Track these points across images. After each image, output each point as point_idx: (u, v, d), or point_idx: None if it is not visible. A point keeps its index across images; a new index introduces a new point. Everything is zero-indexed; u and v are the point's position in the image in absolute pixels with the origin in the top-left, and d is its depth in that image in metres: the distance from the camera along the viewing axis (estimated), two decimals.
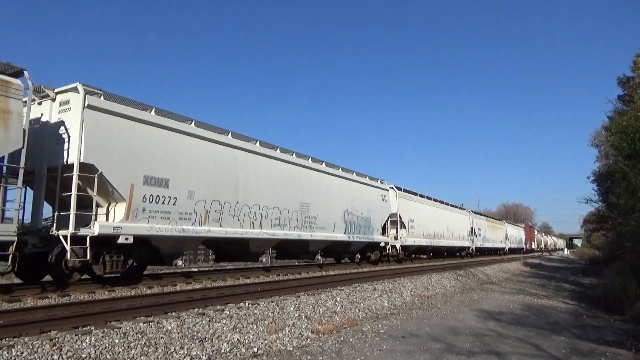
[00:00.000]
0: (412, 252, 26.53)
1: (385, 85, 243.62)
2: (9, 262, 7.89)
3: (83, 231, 8.84)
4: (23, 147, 8.25)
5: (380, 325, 8.07)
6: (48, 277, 9.98)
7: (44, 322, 5.78)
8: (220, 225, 11.88)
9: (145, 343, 5.39)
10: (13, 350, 4.60)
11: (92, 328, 5.66)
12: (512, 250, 51.23)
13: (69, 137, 8.99)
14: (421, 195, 27.38)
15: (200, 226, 11.29)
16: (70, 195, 8.70)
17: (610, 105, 24.23)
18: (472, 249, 35.46)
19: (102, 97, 9.38)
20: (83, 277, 9.91)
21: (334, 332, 7.39)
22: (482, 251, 39.73)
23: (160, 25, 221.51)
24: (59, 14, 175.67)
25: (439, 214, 29.17)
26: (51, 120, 9.38)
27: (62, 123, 9.15)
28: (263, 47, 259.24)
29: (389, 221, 22.18)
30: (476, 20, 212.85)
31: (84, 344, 5.02)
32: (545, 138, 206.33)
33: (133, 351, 5.17)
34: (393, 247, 22.21)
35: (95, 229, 8.97)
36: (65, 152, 8.98)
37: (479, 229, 38.07)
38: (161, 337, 5.65)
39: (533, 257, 49.51)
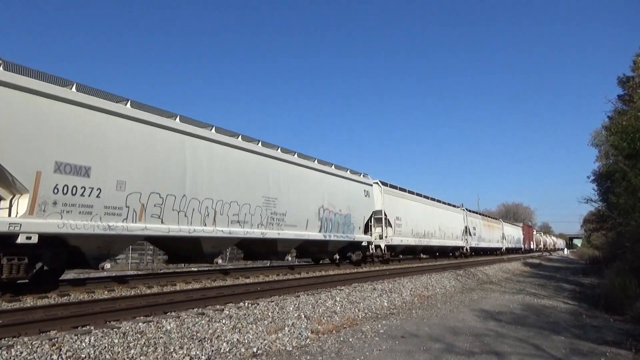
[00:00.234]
0: (400, 252, 25.11)
1: (385, 86, 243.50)
2: None
3: None
4: None
5: (379, 325, 8.06)
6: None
7: (44, 321, 5.77)
8: (162, 222, 10.27)
9: (144, 343, 5.39)
10: (12, 350, 4.59)
11: (92, 328, 5.65)
12: (510, 250, 49.80)
13: None
14: (410, 192, 25.69)
15: (135, 223, 9.65)
16: None
17: (610, 105, 24.27)
18: (467, 249, 34.00)
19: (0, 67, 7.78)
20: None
21: (334, 332, 7.39)
22: (478, 251, 38.30)
23: (164, 28, 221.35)
24: (64, 16, 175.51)
25: (429, 211, 27.61)
26: None
27: None
28: (264, 49, 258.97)
29: (373, 219, 20.55)
30: (476, 20, 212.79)
31: (83, 344, 5.02)
32: (545, 138, 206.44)
33: (132, 351, 5.16)
34: (377, 246, 20.67)
35: None
36: None
37: (474, 228, 36.58)
38: (161, 337, 5.64)
39: (533, 257, 49.32)
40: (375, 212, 20.69)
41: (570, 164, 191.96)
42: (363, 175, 20.40)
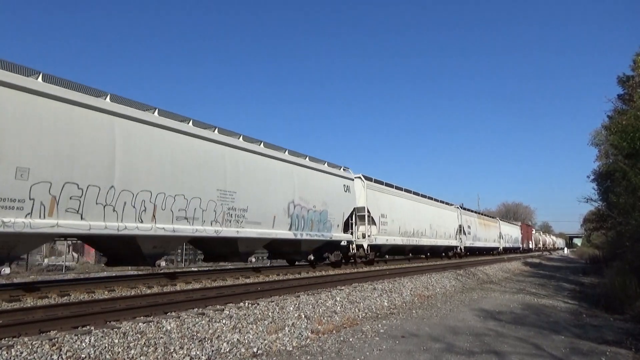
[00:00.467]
0: (386, 253, 23.40)
1: (385, 87, 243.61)
2: None
3: None
4: None
5: (380, 325, 8.06)
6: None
7: (44, 322, 5.77)
8: (82, 218, 8.76)
9: (144, 343, 5.39)
10: (12, 350, 4.59)
11: (92, 328, 5.65)
12: (507, 250, 48.37)
13: None
14: (398, 188, 23.91)
15: (42, 219, 8.13)
16: None
17: (610, 105, 24.29)
18: (461, 249, 32.42)
19: None
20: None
21: (334, 331, 7.39)
22: (473, 251, 36.63)
23: (168, 32, 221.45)
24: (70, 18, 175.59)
25: (419, 209, 25.88)
26: None
27: None
28: (264, 51, 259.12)
29: (355, 216, 18.87)
30: (476, 20, 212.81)
31: (83, 344, 5.02)
32: (545, 137, 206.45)
33: (133, 351, 5.16)
34: (360, 246, 18.92)
35: None
36: None
37: (469, 227, 34.87)
38: (161, 337, 5.64)
39: (533, 257, 49.22)
40: (357, 209, 19.05)
41: (570, 163, 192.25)
42: (343, 169, 18.77)
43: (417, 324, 8.45)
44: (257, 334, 6.56)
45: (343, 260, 18.70)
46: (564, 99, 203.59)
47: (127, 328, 5.69)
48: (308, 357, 5.87)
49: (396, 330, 7.71)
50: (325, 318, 8.13)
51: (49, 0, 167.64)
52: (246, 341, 6.21)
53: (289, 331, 6.93)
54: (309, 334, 7.07)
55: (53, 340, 4.96)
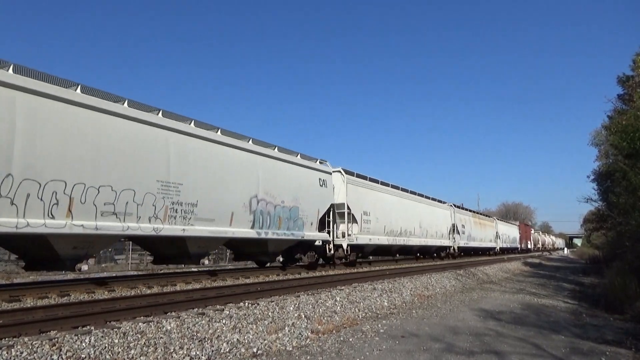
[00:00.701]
0: (370, 253, 21.95)
1: (385, 87, 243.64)
2: None
3: None
4: None
5: (380, 325, 8.06)
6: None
7: (44, 322, 5.77)
8: None
9: (144, 343, 5.39)
10: (13, 350, 4.59)
11: (92, 328, 5.65)
12: (505, 251, 46.83)
13: None
14: (384, 183, 22.18)
15: None
16: None
17: (610, 105, 24.33)
18: (454, 249, 30.94)
19: None
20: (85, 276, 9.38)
21: (334, 331, 7.39)
22: (467, 251, 35.11)
23: (171, 34, 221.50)
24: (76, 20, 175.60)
25: (408, 206, 24.18)
26: None
27: None
28: (265, 53, 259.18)
29: (334, 214, 17.44)
30: (476, 20, 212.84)
31: (83, 344, 5.02)
32: (545, 137, 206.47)
33: (133, 351, 5.16)
34: (339, 246, 17.31)
35: None
36: None
37: (463, 226, 33.35)
38: (161, 337, 5.64)
39: (533, 257, 49.13)
40: (336, 206, 17.58)
41: (570, 163, 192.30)
42: (320, 162, 17.14)
43: (417, 323, 8.45)
44: (257, 334, 6.56)
45: (321, 262, 17.56)
46: (564, 99, 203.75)
47: (127, 328, 5.69)
48: (308, 357, 5.87)
49: (396, 330, 7.71)
50: (325, 318, 8.13)
51: (47, 0, 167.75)
52: (246, 341, 6.21)
53: (289, 331, 6.93)
54: (309, 334, 7.07)
55: (53, 340, 4.96)
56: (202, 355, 5.50)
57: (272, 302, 8.26)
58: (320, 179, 16.64)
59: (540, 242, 79.12)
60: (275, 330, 6.79)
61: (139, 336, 5.53)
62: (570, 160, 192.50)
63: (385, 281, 12.82)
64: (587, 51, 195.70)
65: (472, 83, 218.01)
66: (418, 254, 27.78)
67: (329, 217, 17.03)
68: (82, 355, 4.81)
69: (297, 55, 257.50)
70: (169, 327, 5.98)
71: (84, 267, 9.92)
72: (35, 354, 4.59)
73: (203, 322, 6.43)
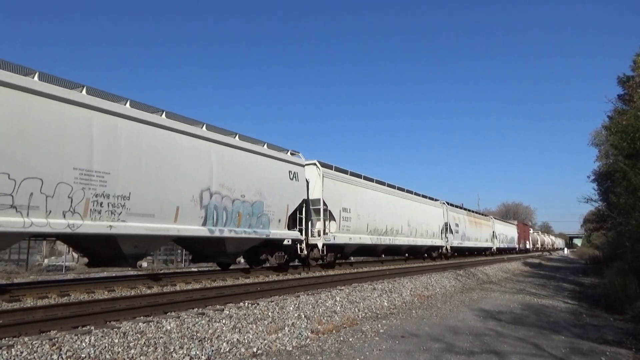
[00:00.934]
0: (352, 254, 20.47)
1: (385, 88, 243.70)
2: None
3: None
4: None
5: (379, 325, 8.06)
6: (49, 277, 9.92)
7: (44, 321, 5.78)
8: None
9: (144, 343, 5.39)
10: (13, 350, 4.59)
11: (92, 328, 5.65)
12: (502, 251, 45.38)
13: None
14: (367, 178, 20.61)
15: None
16: None
17: (610, 105, 24.30)
18: (447, 249, 29.43)
19: None
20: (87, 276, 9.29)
21: (334, 331, 7.38)
22: (462, 251, 33.46)
23: (172, 34, 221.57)
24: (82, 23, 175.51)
25: (394, 203, 22.58)
26: None
27: None
28: (267, 55, 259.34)
29: (309, 210, 16.03)
30: (476, 21, 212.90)
31: (83, 344, 5.02)
32: (545, 137, 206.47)
33: (132, 351, 5.16)
34: (313, 246, 15.88)
35: None
36: None
37: (457, 225, 31.77)
38: (161, 337, 5.64)
39: (533, 257, 49.00)
40: (312, 202, 16.19)
41: (570, 163, 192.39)
42: (291, 153, 15.64)
43: (417, 324, 8.45)
44: (257, 333, 6.56)
45: (298, 263, 16.32)
46: (564, 99, 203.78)
47: (127, 328, 5.70)
48: (308, 357, 5.87)
49: (396, 330, 7.70)
50: (325, 318, 8.13)
51: (47, 1, 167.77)
52: (246, 341, 6.21)
53: (288, 331, 6.93)
54: (309, 333, 7.07)
55: (53, 340, 4.96)
56: (202, 355, 5.50)
57: (272, 302, 8.26)
58: (290, 171, 15.13)
59: (539, 242, 78.30)
60: (275, 330, 6.79)
61: (139, 336, 5.53)
62: (570, 160, 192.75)
63: (385, 281, 12.83)
64: (587, 51, 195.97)
65: (472, 83, 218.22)
66: (407, 255, 26.41)
67: (300, 213, 15.51)
68: (82, 355, 4.81)
69: (296, 55, 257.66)
70: (168, 327, 5.98)
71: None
72: (35, 354, 4.59)
73: (203, 322, 6.43)
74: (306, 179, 16.17)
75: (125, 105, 10.08)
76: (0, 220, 7.65)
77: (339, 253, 18.12)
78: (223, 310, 7.26)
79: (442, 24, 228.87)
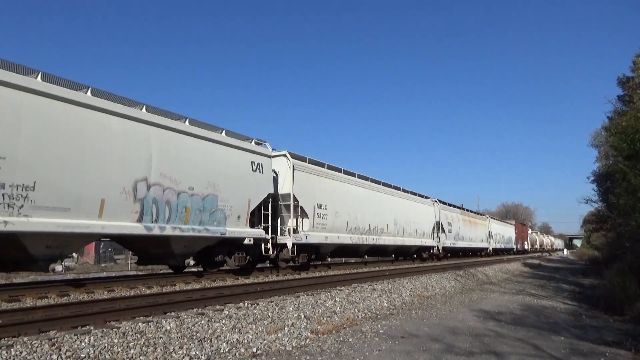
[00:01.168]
0: (331, 254, 18.97)
1: (385, 88, 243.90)
2: None
3: None
4: None
5: (379, 326, 8.07)
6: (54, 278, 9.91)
7: (43, 321, 5.77)
8: None
9: (144, 343, 5.39)
10: (12, 349, 4.59)
11: (91, 328, 5.65)
12: (499, 251, 43.81)
13: None
14: (347, 172, 18.93)
15: None
16: None
17: (610, 106, 24.32)
18: (439, 249, 27.88)
19: None
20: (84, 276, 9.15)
21: (333, 332, 7.39)
22: (455, 252, 31.93)
23: (175, 36, 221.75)
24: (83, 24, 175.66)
25: (379, 200, 20.97)
26: None
27: None
28: (267, 56, 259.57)
29: (278, 206, 14.64)
30: (475, 21, 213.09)
31: (83, 344, 5.02)
32: (545, 138, 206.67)
33: (132, 351, 5.16)
34: (282, 245, 14.54)
35: None
36: None
37: (450, 224, 30.13)
38: (160, 337, 5.64)
39: (533, 258, 48.93)
40: (281, 197, 14.73)
41: (570, 164, 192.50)
42: (255, 142, 14.00)
43: (417, 324, 8.45)
44: (257, 334, 6.56)
45: (270, 264, 15.11)
46: (564, 100, 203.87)
47: (127, 328, 5.69)
48: (307, 357, 5.87)
49: (396, 331, 7.71)
50: (325, 318, 8.13)
51: (47, 2, 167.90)
52: (246, 341, 6.21)
53: (288, 331, 6.93)
54: (309, 334, 7.08)
55: (53, 340, 4.96)
56: (201, 355, 5.50)
57: (271, 302, 8.27)
58: (254, 162, 13.44)
59: (538, 243, 77.11)
60: (274, 330, 6.79)
61: (139, 336, 5.53)
62: (570, 161, 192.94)
63: (384, 282, 12.83)
64: (587, 52, 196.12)
65: (472, 84, 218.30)
66: (394, 256, 24.90)
67: (267, 209, 13.96)
68: (82, 355, 4.81)
69: (296, 55, 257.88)
70: (168, 327, 5.98)
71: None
72: (34, 354, 4.59)
73: (202, 322, 6.43)
74: (275, 172, 14.82)
75: (37, 78, 8.47)
76: None
77: (314, 254, 16.73)
78: (223, 310, 7.26)
79: (442, 24, 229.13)
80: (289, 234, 14.50)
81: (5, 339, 5.02)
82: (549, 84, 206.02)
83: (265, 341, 6.38)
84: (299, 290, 10.03)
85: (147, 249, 11.33)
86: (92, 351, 4.92)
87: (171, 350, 5.41)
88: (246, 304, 7.82)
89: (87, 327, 5.75)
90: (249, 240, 13.11)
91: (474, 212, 39.72)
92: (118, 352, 5.07)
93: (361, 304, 9.77)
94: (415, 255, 26.96)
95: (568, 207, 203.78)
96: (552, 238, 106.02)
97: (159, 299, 8.28)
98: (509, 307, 11.45)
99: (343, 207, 17.72)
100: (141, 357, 5.11)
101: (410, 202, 25.04)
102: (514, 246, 51.89)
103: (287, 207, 14.67)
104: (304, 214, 15.36)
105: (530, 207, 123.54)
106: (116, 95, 10.03)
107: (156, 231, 10.24)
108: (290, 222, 14.57)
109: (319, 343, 6.64)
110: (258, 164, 13.62)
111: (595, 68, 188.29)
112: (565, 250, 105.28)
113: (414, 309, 10.34)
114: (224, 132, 12.82)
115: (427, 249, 27.15)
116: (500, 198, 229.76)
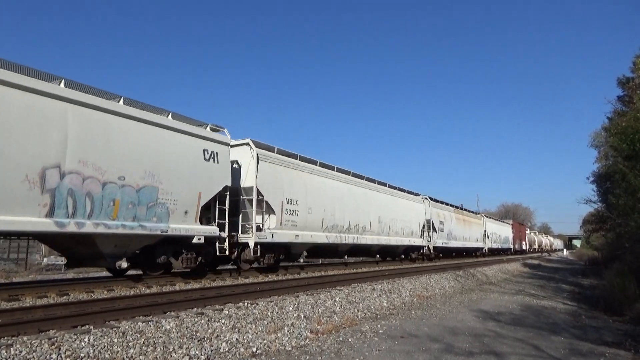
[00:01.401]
0: (306, 254, 17.62)
1: (385, 89, 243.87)
2: None
3: None
4: None
5: (379, 326, 8.06)
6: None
7: (43, 321, 5.77)
8: None
9: (144, 342, 5.39)
10: (12, 349, 4.59)
11: (91, 327, 5.65)
12: (495, 252, 42.37)
13: None
14: (323, 165, 17.26)
15: None
16: None
17: (609, 106, 24.33)
18: (429, 249, 26.34)
19: None
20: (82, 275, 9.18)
21: (333, 332, 7.39)
22: (448, 252, 30.33)
23: (175, 36, 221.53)
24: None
25: (361, 196, 19.31)
26: None
27: None
28: (268, 56, 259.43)
29: (240, 201, 13.21)
30: (476, 22, 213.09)
31: (82, 343, 5.01)
32: (545, 139, 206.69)
33: (132, 350, 5.16)
34: (243, 245, 13.17)
35: None
36: None
37: (442, 223, 28.64)
38: (160, 337, 5.64)
39: (532, 258, 48.83)
40: (243, 190, 13.29)
41: (570, 165, 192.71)
42: (211, 128, 12.40)
43: (416, 324, 8.45)
44: (256, 333, 6.55)
45: (232, 266, 13.86)
46: (564, 100, 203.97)
47: (127, 327, 5.69)
48: (307, 357, 5.87)
49: (395, 331, 7.70)
50: (325, 318, 8.13)
51: (47, 2, 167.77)
52: (245, 341, 6.21)
53: (288, 331, 6.93)
54: (308, 334, 7.07)
55: (52, 339, 4.96)
56: (201, 354, 5.50)
57: (271, 302, 8.26)
58: (207, 150, 11.88)
59: (536, 243, 75.87)
60: (274, 330, 6.79)
61: (138, 335, 5.52)
62: (569, 161, 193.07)
63: (384, 282, 12.83)
64: (587, 52, 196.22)
65: (472, 84, 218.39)
66: (378, 256, 23.53)
67: (222, 204, 12.45)
68: (81, 355, 4.81)
69: (297, 55, 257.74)
70: (168, 327, 5.98)
71: None
72: (34, 353, 4.58)
73: (202, 321, 6.43)
74: (238, 163, 13.50)
75: None
76: None
77: (283, 254, 15.36)
78: (222, 310, 7.26)
79: (442, 24, 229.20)
80: (252, 232, 13.02)
81: (5, 338, 5.02)
82: (549, 84, 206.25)
83: (265, 341, 6.38)
84: (299, 290, 10.03)
85: (71, 249, 9.96)
86: (91, 350, 4.92)
87: (171, 349, 5.41)
88: (246, 304, 7.82)
89: (87, 326, 5.75)
90: (199, 239, 11.59)
91: (469, 211, 38.34)
92: (118, 351, 5.07)
93: (361, 304, 9.77)
94: (403, 256, 25.53)
95: (568, 207, 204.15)
96: (551, 238, 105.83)
97: (159, 298, 8.28)
98: (508, 307, 11.45)
99: (317, 202, 16.12)
100: (141, 357, 5.10)
101: (397, 199, 23.32)
102: (512, 246, 50.87)
103: (250, 201, 13.18)
104: (270, 210, 13.89)
105: (530, 208, 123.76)
106: (22, 65, 8.44)
107: (71, 228, 8.63)
108: (253, 219, 13.07)
109: (319, 343, 6.64)
110: (212, 152, 12.03)
111: (595, 68, 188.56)
112: (564, 250, 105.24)
113: (413, 309, 10.34)
114: (170, 114, 11.29)
115: (417, 248, 25.72)
116: (500, 198, 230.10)
